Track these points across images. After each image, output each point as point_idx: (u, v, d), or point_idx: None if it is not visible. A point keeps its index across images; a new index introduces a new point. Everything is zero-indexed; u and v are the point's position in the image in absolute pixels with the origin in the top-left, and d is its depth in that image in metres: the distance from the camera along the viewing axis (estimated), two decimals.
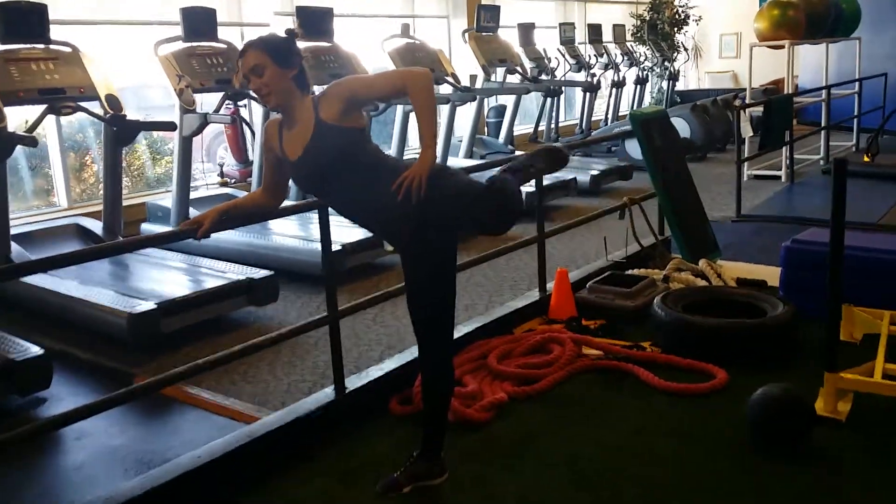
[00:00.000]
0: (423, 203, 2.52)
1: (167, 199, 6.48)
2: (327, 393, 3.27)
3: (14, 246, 5.20)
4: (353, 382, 3.36)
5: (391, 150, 8.24)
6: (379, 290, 5.32)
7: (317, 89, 2.81)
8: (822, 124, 9.54)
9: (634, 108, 12.80)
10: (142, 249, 4.92)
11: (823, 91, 9.38)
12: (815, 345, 3.89)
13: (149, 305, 4.35)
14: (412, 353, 3.67)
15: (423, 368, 2.80)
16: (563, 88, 10.60)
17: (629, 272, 4.93)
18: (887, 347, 3.52)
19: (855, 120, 10.39)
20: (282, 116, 2.69)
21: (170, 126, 5.45)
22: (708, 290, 4.33)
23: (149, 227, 6.54)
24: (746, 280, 4.90)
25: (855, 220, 6.53)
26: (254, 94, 2.65)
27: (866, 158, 8.68)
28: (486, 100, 10.12)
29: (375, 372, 3.48)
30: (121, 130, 5.35)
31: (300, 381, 3.92)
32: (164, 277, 4.98)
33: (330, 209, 3.04)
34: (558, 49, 10.90)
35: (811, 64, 12.19)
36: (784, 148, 8.57)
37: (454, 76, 8.08)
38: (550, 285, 4.57)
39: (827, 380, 3.21)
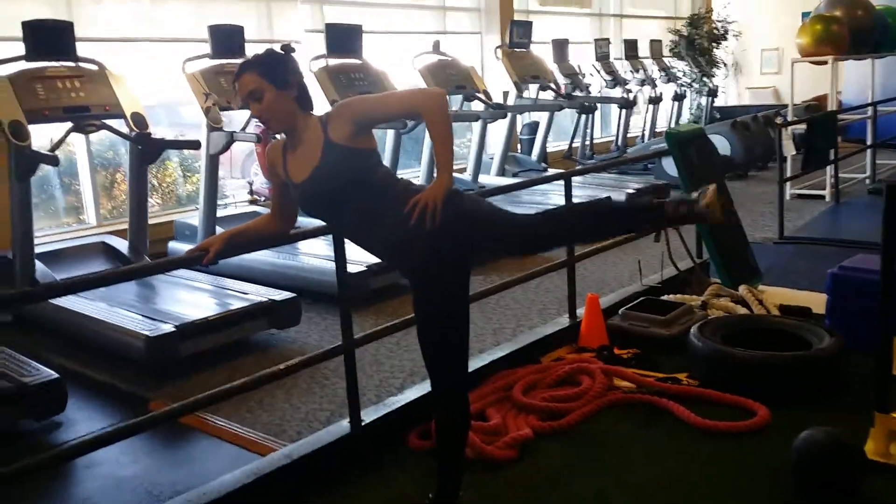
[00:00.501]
0: (438, 228, 2.37)
1: (195, 218, 6.42)
2: (342, 426, 3.12)
3: (39, 265, 5.16)
4: (370, 414, 3.21)
5: (420, 168, 8.13)
6: (406, 314, 5.26)
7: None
8: (868, 142, 9.19)
9: (672, 124, 12.54)
10: (147, 276, 4.84)
11: (869, 108, 9.04)
12: (863, 379, 3.63)
13: (167, 328, 4.25)
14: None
15: (435, 402, 2.64)
16: (597, 105, 10.39)
17: (664, 298, 4.71)
18: None
19: None
20: (285, 138, 2.56)
21: (194, 145, 5.39)
22: (749, 319, 4.10)
23: (176, 246, 6.49)
24: (790, 307, 4.64)
25: None
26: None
27: None
28: (519, 117, 9.97)
29: (394, 402, 3.32)
30: (145, 148, 5.30)
31: (318, 410, 3.77)
32: (185, 298, 4.89)
33: None
34: (593, 65, 10.72)
35: (855, 80, 11.82)
36: (828, 167, 8.26)
37: (486, 93, 7.94)
38: (580, 311, 4.38)
39: (878, 421, 2.97)
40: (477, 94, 7.75)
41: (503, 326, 4.86)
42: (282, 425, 3.64)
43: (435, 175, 2.41)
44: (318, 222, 2.72)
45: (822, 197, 8.50)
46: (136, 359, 4.27)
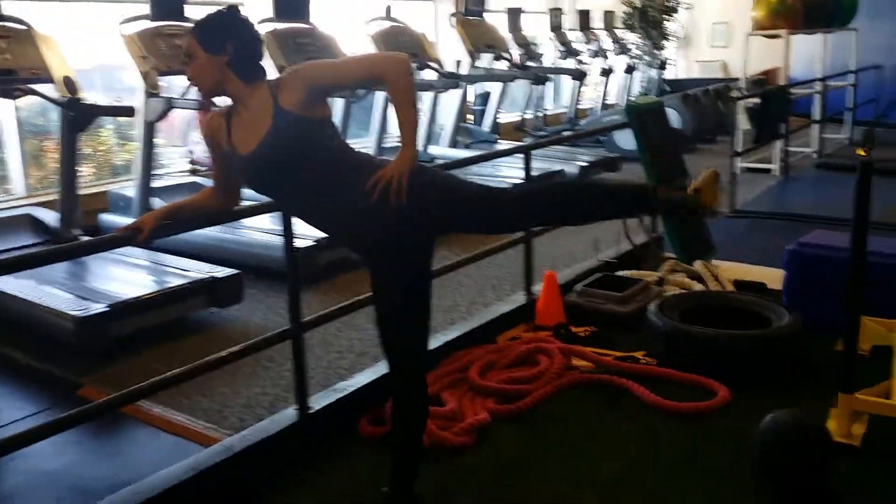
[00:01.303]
0: (403, 206, 2.18)
1: (131, 189, 6.08)
2: (289, 414, 2.93)
3: None
4: (318, 401, 3.02)
5: (370, 139, 7.88)
6: (357, 291, 5.06)
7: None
8: (817, 116, 9.26)
9: (624, 97, 12.48)
10: (68, 259, 4.54)
11: (818, 83, 9.09)
12: (822, 358, 3.60)
13: (98, 308, 3.98)
14: (383, 365, 3.34)
15: (394, 388, 2.48)
16: (550, 76, 10.23)
17: (620, 274, 4.61)
18: None
19: (849, 112, 10.12)
20: (230, 105, 2.34)
21: (129, 111, 5.06)
22: (707, 296, 4.02)
23: (110, 218, 6.14)
24: (745, 283, 4.60)
25: (849, 217, 6.28)
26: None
27: (862, 152, 8.40)
28: (470, 87, 9.75)
29: (344, 388, 3.14)
30: (77, 115, 4.94)
31: (261, 395, 3.57)
32: (118, 275, 4.60)
33: None
34: (548, 36, 10.54)
35: (802, 54, 11.90)
36: (777, 141, 8.28)
37: (438, 61, 7.71)
38: (536, 288, 4.25)
39: (841, 401, 2.90)
40: (429, 62, 7.51)
41: (457, 304, 4.71)
42: (223, 412, 3.44)
43: (391, 150, 2.22)
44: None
45: (770, 171, 8.53)
46: (64, 341, 3.99)
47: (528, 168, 4.11)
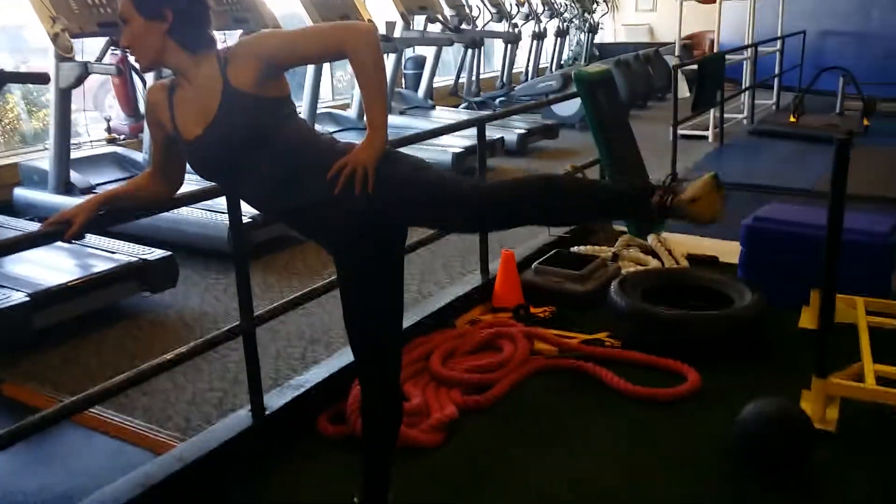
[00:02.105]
0: (369, 197, 1.96)
1: (45, 160, 5.60)
2: (242, 417, 2.69)
3: None
4: (273, 400, 2.79)
5: (301, 106, 7.52)
6: (297, 269, 4.81)
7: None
8: (747, 83, 9.34)
9: (555, 61, 12.37)
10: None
11: (749, 49, 9.15)
12: (783, 335, 3.58)
13: (19, 297, 3.61)
14: (342, 355, 3.14)
15: (363, 393, 2.29)
16: (484, 39, 10.00)
17: (574, 249, 4.50)
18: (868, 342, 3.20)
19: (776, 79, 10.26)
20: (172, 79, 2.07)
21: (43, 78, 4.60)
22: (667, 274, 3.94)
23: (23, 193, 5.66)
24: (697, 257, 4.56)
25: (790, 185, 6.36)
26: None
27: (793, 119, 8.55)
28: (404, 50, 9.43)
29: (300, 384, 2.92)
30: None
31: (207, 391, 3.31)
32: (40, 259, 4.19)
33: None
34: None
35: (727, 20, 12.00)
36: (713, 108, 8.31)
37: (371, 23, 7.38)
38: (492, 266, 4.09)
39: (815, 386, 2.85)
40: None
41: (406, 284, 4.47)
42: (166, 410, 3.17)
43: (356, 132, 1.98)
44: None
45: (706, 137, 8.58)
46: None
47: (482, 141, 3.92)
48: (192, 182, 2.23)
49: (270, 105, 1.99)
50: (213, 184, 2.30)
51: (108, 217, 2.18)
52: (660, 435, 2.84)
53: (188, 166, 2.15)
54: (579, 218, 2.20)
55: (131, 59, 2.11)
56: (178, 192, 2.30)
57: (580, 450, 2.74)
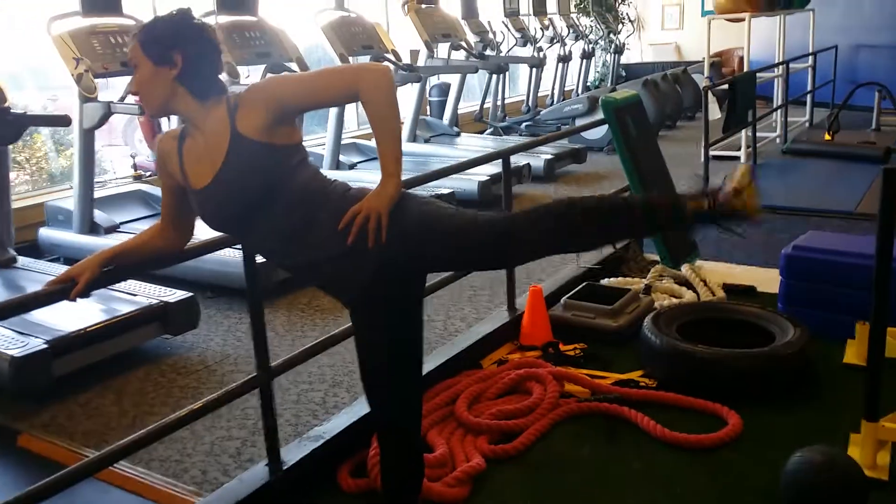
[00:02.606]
0: (384, 247, 1.85)
1: (70, 200, 5.60)
2: (259, 472, 2.58)
3: None
4: (291, 453, 2.68)
5: (326, 137, 7.48)
6: (320, 306, 4.70)
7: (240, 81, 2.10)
8: (780, 100, 9.13)
9: (581, 83, 12.24)
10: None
11: (781, 66, 8.95)
12: (827, 371, 3.39)
13: (37, 344, 3.55)
14: (363, 401, 3.01)
15: (382, 448, 2.18)
16: (509, 65, 9.92)
17: (605, 281, 4.35)
18: None
19: (808, 95, 10.03)
20: (182, 126, 1.99)
21: (64, 121, 4.58)
22: (703, 308, 3.77)
23: (48, 233, 5.66)
24: (734, 287, 4.38)
25: (831, 208, 6.14)
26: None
27: (828, 137, 8.32)
28: (428, 79, 9.39)
29: (319, 435, 2.80)
30: (3, 127, 4.46)
31: (226, 440, 3.21)
32: (58, 305, 4.15)
33: None
34: (503, 21, 10.21)
35: (757, 36, 11.79)
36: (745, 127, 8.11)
37: (395, 53, 7.34)
38: (519, 300, 3.96)
39: (865, 430, 2.67)
40: (386, 54, 7.13)
41: (432, 318, 4.38)
42: (182, 462, 3.06)
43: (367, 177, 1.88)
44: None
45: (738, 158, 8.37)
46: None
47: (507, 173, 3.80)
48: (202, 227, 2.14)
49: (280, 153, 1.90)
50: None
51: (116, 273, 2.08)
52: (701, 485, 2.67)
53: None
54: (608, 237, 2.07)
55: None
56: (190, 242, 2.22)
57: (616, 503, 2.59)
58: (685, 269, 4.42)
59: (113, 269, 2.07)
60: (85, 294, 1.99)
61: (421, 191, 4.78)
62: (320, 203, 1.90)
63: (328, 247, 1.88)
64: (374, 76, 1.87)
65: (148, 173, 7.03)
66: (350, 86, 1.89)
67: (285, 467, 2.60)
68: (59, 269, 4.78)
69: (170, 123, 6.22)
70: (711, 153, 8.40)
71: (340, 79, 1.92)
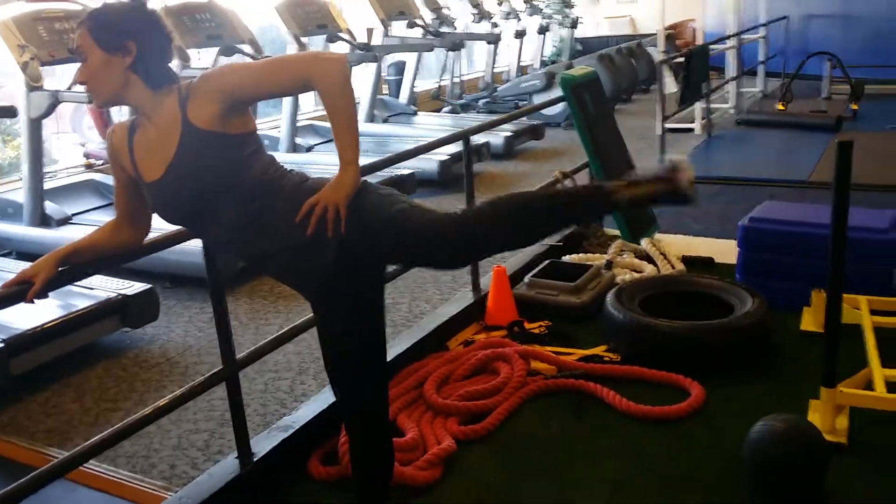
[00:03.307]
0: (342, 239, 1.84)
1: (19, 192, 5.45)
2: (230, 465, 2.56)
3: None
4: (261, 444, 2.66)
5: (282, 119, 7.39)
6: (282, 292, 4.66)
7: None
8: (733, 72, 9.24)
9: (538, 58, 12.25)
10: None
11: (734, 38, 9.05)
12: (785, 339, 3.47)
13: None
14: (330, 391, 3.00)
15: (351, 436, 2.18)
16: (465, 42, 9.87)
17: (567, 258, 4.38)
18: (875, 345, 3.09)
19: (761, 66, 10.17)
20: (132, 118, 1.94)
21: (10, 112, 4.46)
22: (663, 282, 3.82)
23: None
24: (693, 259, 4.44)
25: (785, 177, 6.26)
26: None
27: (781, 107, 8.45)
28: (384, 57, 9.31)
29: (288, 425, 2.79)
30: None
31: (193, 432, 3.18)
32: None
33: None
34: None
35: (709, 6, 11.88)
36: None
37: (349, 32, 7.25)
38: (483, 281, 3.97)
39: (824, 396, 2.74)
40: (341, 33, 7.05)
41: (396, 302, 4.38)
42: (150, 458, 3.03)
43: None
44: None
45: (692, 130, 8.48)
46: None
47: (468, 154, 3.79)
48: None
49: (233, 143, 1.86)
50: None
51: (72, 272, 2.04)
52: (670, 457, 2.71)
53: None
54: (548, 229, 2.13)
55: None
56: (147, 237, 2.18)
57: (586, 478, 2.62)
58: (645, 243, 4.47)
59: (69, 268, 2.01)
60: (42, 295, 1.94)
61: (382, 173, 4.76)
62: (275, 194, 1.87)
63: (286, 238, 1.86)
64: (328, 66, 1.84)
65: (99, 162, 6.87)
66: (304, 76, 1.85)
67: (255, 459, 2.58)
68: (11, 264, 4.68)
69: (120, 111, 6.09)
70: (667, 126, 8.53)
71: (294, 68, 1.89)
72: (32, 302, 1.95)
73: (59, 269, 1.98)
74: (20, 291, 1.91)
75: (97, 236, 2.09)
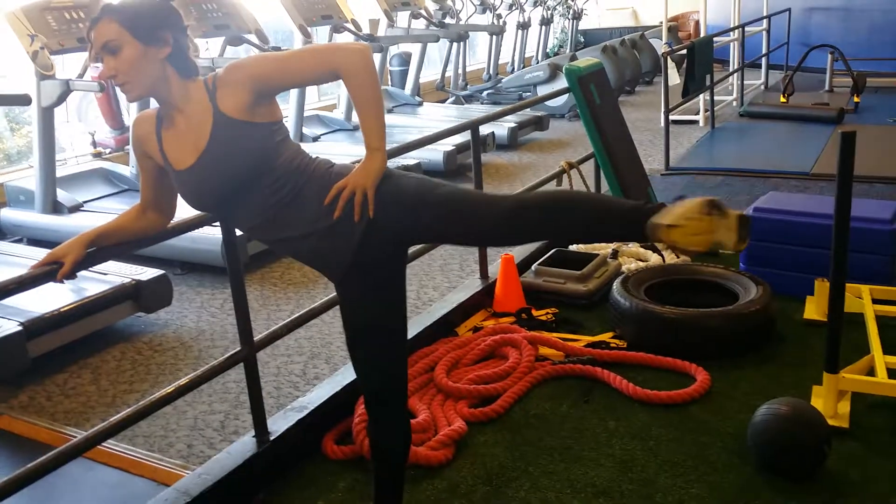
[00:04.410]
0: (370, 223, 1.90)
1: (31, 179, 5.50)
2: (247, 443, 2.63)
3: None
4: (277, 424, 2.74)
5: (289, 109, 7.43)
6: (293, 279, 4.73)
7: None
8: (736, 64, 9.28)
9: (541, 50, 12.28)
10: None
11: (737, 30, 9.08)
12: (789, 327, 3.53)
13: (12, 326, 3.54)
14: (344, 371, 3.08)
15: (371, 417, 2.23)
16: (468, 33, 9.90)
17: (573, 247, 4.44)
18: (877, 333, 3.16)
19: (764, 58, 10.20)
20: (158, 108, 1.99)
21: (23, 100, 4.51)
22: (668, 270, 3.88)
23: (10, 214, 5.56)
24: None
25: (788, 169, 6.30)
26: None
27: (783, 99, 8.49)
28: (389, 48, 9.34)
29: (303, 405, 2.86)
30: None
31: (209, 413, 3.25)
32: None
33: None
34: None
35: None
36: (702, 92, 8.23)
37: (354, 22, 7.28)
38: (491, 268, 4.03)
39: (827, 381, 2.81)
40: (346, 24, 7.08)
41: (407, 291, 4.43)
42: (167, 437, 3.10)
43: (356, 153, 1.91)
44: None
45: (696, 122, 8.52)
46: None
47: (476, 144, 3.86)
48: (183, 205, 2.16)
49: (263, 131, 1.92)
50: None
51: (100, 254, 2.10)
52: (673, 438, 2.79)
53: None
54: (584, 236, 2.13)
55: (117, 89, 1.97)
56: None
57: (594, 460, 2.69)
58: None
59: (97, 250, 2.08)
60: (71, 275, 2.00)
61: (388, 162, 4.83)
62: (305, 179, 1.93)
63: (314, 222, 1.91)
64: (353, 56, 1.89)
65: (108, 150, 6.93)
66: (330, 65, 1.91)
67: (272, 438, 2.65)
68: (25, 250, 4.75)
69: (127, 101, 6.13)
70: (672, 118, 8.57)
71: (320, 58, 1.94)
72: (62, 282, 2.01)
73: (87, 250, 2.04)
74: (50, 272, 1.97)
75: (123, 220, 2.15)
